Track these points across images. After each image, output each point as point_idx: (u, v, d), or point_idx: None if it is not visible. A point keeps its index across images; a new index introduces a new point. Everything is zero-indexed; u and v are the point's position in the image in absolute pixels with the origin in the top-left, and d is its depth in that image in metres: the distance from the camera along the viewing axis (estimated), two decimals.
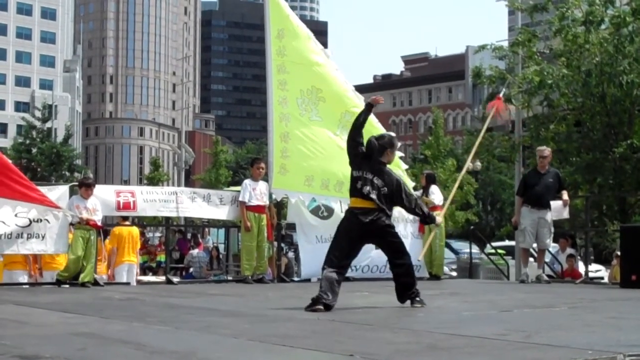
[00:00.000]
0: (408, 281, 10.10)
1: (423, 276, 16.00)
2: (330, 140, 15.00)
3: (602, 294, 11.19)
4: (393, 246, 10.16)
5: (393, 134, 10.54)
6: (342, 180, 14.98)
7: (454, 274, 25.45)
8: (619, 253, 16.94)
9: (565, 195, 15.41)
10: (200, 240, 26.61)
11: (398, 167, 15.84)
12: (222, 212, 15.34)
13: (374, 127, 15.63)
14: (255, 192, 14.73)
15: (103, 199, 14.19)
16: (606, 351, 6.12)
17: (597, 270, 27.41)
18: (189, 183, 68.20)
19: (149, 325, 8.17)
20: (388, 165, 10.05)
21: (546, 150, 15.97)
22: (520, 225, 15.64)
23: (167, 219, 16.75)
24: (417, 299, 10.09)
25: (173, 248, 23.80)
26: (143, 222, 24.55)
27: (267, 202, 14.94)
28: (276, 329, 7.94)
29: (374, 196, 9.74)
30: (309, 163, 14.84)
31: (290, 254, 24.71)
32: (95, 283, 13.78)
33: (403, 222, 16.07)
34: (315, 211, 15.48)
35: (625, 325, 8.41)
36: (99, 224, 13.91)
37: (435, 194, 16.32)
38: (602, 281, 20.82)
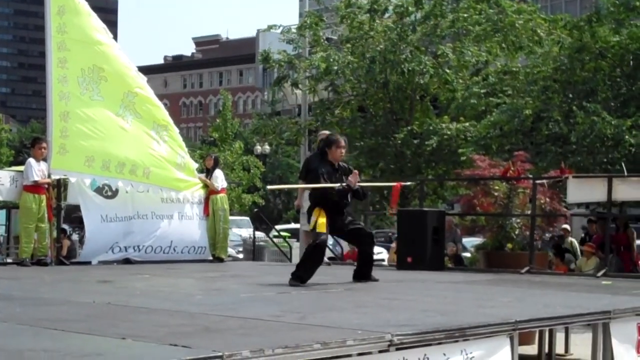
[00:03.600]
0: None
1: (206, 258, 16.03)
2: (112, 120, 14.72)
3: (378, 276, 11.49)
4: None
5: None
6: (123, 162, 14.74)
7: (241, 256, 25.61)
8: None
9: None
10: None
11: (181, 147, 15.75)
12: None
13: (154, 106, 15.50)
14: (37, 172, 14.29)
15: None
16: (375, 331, 6.28)
17: (379, 252, 28.13)
18: None
19: None
20: None
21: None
22: (303, 208, 15.82)
23: None
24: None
25: None
26: None
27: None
28: (49, 312, 7.74)
29: None
30: (90, 143, 14.50)
31: (75, 236, 24.17)
32: None
33: (189, 204, 16.00)
34: (100, 191, 15.18)
35: (396, 306, 8.69)
36: None
37: (219, 178, 16.34)
38: (383, 263, 21.37)
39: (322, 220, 10.78)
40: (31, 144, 15.34)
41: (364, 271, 11.35)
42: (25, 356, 5.34)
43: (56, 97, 14.42)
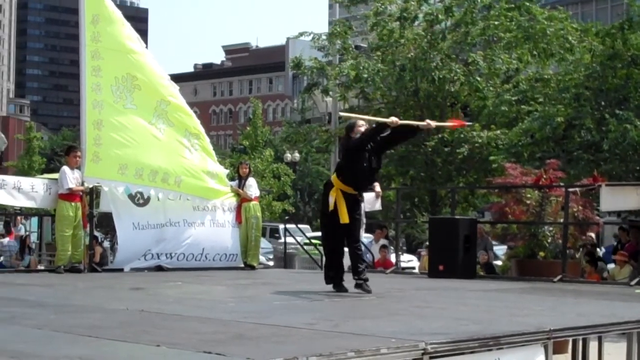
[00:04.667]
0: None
1: (238, 266, 16.05)
2: (145, 129, 14.78)
3: (410, 284, 11.48)
4: None
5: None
6: (155, 170, 14.81)
7: (271, 263, 25.63)
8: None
9: (377, 187, 15.68)
10: (12, 228, 25.80)
11: (211, 156, 15.79)
12: (33, 200, 14.86)
13: (186, 115, 15.57)
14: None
15: None
16: (409, 339, 6.26)
17: (409, 260, 28.14)
18: (1, 170, 65.95)
19: None
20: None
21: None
22: None
23: None
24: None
25: None
26: None
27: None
28: (83, 319, 7.78)
29: None
30: (123, 151, 14.58)
31: (106, 243, 24.32)
32: None
33: (221, 211, 16.03)
34: (132, 198, 15.25)
35: (429, 314, 8.67)
36: None
37: (252, 186, 16.42)
38: (413, 271, 21.36)
39: (344, 209, 10.58)
40: (65, 152, 15.45)
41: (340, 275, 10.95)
42: None
43: (90, 105, 14.50)
